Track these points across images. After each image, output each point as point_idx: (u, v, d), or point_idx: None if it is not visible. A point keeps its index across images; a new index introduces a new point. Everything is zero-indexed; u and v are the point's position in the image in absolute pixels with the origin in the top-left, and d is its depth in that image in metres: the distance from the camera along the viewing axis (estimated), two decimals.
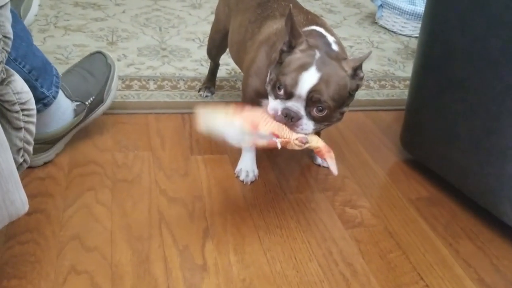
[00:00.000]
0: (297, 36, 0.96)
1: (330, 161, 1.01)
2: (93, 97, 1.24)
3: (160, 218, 1.07)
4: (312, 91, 0.92)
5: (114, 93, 1.31)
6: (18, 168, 0.83)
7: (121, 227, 1.03)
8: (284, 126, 0.95)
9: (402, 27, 2.29)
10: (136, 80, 1.59)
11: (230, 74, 1.72)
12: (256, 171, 1.24)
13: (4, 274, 0.89)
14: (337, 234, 1.10)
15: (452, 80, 1.16)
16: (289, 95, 0.94)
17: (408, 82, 1.78)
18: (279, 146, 0.95)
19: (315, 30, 1.05)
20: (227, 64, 1.74)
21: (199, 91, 1.57)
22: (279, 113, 0.95)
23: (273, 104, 0.96)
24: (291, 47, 0.96)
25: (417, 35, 1.92)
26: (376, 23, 2.40)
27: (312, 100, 0.93)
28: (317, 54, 0.94)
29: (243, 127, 0.93)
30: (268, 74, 1.01)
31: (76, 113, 1.21)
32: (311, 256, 1.03)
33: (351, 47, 2.08)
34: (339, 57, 0.97)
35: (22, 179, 1.10)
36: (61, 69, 1.58)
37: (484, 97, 1.08)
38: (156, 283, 0.92)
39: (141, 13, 2.15)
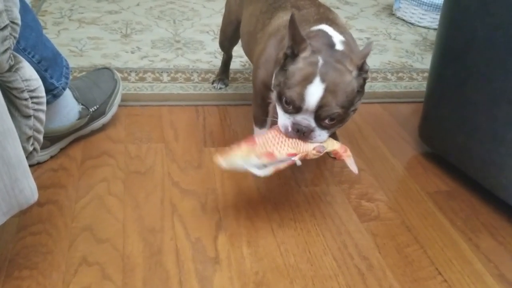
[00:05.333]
0: (300, 42, 0.92)
1: (348, 161, 1.00)
2: (97, 106, 1.25)
3: (172, 210, 1.06)
4: (320, 106, 0.90)
5: (115, 109, 1.32)
6: (28, 157, 0.82)
7: (133, 219, 1.02)
8: (298, 140, 0.94)
9: (421, 18, 2.24)
10: (149, 72, 1.58)
11: (244, 66, 1.70)
12: None
13: (15, 264, 0.89)
14: (352, 227, 1.08)
15: (472, 69, 1.12)
16: (297, 110, 0.92)
17: (426, 74, 1.74)
18: (299, 163, 0.95)
19: (321, 31, 1.01)
20: (241, 56, 1.71)
21: (212, 83, 1.56)
22: (290, 129, 0.93)
23: (283, 120, 0.95)
24: (294, 54, 0.93)
25: (436, 27, 1.88)
26: (393, 14, 2.35)
27: (321, 115, 0.91)
28: (320, 61, 0.90)
29: (261, 161, 0.93)
30: (274, 76, 0.99)
31: (81, 115, 1.20)
32: (326, 249, 1.01)
33: (368, 39, 2.04)
34: (344, 57, 0.93)
35: (34, 170, 1.11)
36: (75, 61, 1.59)
37: (506, 87, 1.04)
38: (168, 275, 0.91)
39: (155, 5, 2.14)
